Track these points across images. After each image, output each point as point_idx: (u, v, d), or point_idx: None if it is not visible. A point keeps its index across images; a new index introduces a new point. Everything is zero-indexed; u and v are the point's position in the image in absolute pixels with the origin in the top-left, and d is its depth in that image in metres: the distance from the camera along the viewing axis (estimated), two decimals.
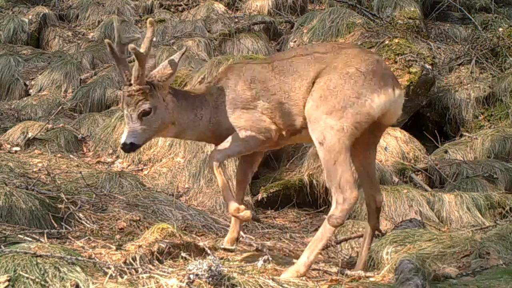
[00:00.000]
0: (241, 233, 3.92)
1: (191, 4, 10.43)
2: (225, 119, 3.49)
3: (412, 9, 8.96)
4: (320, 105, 3.24)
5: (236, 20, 9.69)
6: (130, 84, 3.36)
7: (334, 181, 3.19)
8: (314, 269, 3.36)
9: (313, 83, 3.34)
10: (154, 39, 3.66)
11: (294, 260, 3.31)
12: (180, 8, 10.47)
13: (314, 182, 5.76)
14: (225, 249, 3.68)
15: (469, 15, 9.48)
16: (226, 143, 3.46)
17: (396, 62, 6.97)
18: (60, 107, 7.38)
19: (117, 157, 6.26)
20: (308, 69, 3.38)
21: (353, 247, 4.51)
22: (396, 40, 7.31)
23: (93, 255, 3.16)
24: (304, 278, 3.13)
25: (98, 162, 6.19)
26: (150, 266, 3.13)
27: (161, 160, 6.09)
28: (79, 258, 2.96)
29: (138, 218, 4.33)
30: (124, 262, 3.09)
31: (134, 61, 3.34)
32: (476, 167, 6.23)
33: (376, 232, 3.83)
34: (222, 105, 3.50)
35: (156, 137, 4.17)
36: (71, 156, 6.17)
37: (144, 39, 3.39)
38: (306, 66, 3.40)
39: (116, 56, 3.38)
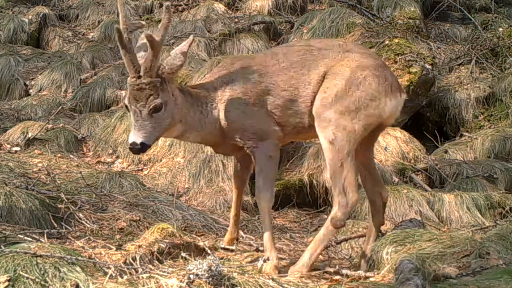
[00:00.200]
0: (241, 233, 3.92)
1: (191, 4, 10.40)
2: (231, 116, 3.25)
3: (412, 9, 8.95)
4: (333, 104, 3.20)
5: (236, 20, 9.68)
6: (140, 76, 3.04)
7: (339, 182, 3.19)
8: (314, 269, 3.36)
9: (322, 80, 3.27)
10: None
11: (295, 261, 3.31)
12: (180, 8, 10.45)
13: (314, 182, 5.75)
14: (225, 249, 3.68)
15: (469, 15, 9.46)
16: (259, 178, 3.25)
17: (396, 62, 6.96)
18: (60, 107, 7.37)
19: (117, 157, 6.25)
20: (317, 65, 3.29)
21: (353, 247, 4.52)
22: (396, 40, 7.30)
23: (93, 255, 3.16)
24: (304, 278, 3.14)
25: (98, 162, 6.19)
26: (150, 266, 3.13)
27: (161, 160, 6.08)
28: (79, 258, 2.96)
29: (138, 218, 4.32)
30: (124, 262, 3.09)
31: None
32: (476, 167, 6.22)
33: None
34: (229, 101, 3.26)
35: (163, 137, 3.62)
36: (71, 156, 6.17)
37: (159, 26, 3.11)
38: (314, 61, 3.30)
39: (124, 44, 3.06)
